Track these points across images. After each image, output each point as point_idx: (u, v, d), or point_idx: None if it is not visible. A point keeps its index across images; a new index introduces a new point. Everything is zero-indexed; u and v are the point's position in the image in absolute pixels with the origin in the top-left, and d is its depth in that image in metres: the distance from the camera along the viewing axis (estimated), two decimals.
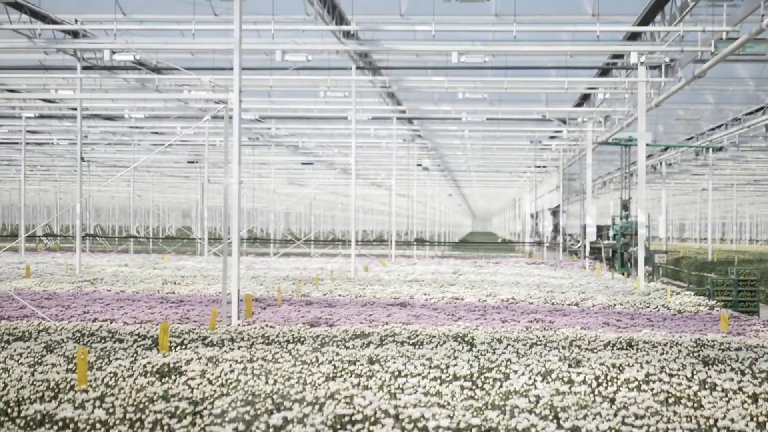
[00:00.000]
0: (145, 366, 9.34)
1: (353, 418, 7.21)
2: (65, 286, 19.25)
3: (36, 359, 9.77)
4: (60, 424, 7.08)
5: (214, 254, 32.81)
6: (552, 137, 40.98)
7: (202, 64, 26.05)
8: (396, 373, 9.04)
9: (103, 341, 11.12)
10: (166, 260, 30.50)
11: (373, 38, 22.59)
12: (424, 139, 42.00)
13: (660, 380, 8.69)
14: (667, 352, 10.42)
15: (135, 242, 42.29)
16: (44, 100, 32.40)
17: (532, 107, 31.88)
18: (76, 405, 7.63)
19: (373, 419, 7.21)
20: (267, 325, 12.60)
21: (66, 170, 55.11)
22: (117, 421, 7.15)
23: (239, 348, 10.61)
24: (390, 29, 21.29)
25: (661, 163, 46.16)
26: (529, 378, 8.79)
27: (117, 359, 9.79)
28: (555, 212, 54.38)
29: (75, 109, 33.14)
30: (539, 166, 50.56)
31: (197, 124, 22.02)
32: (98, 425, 7.04)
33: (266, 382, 8.64)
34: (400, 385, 8.44)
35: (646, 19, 20.27)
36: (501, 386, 8.48)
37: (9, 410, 7.44)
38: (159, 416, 7.20)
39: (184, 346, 10.80)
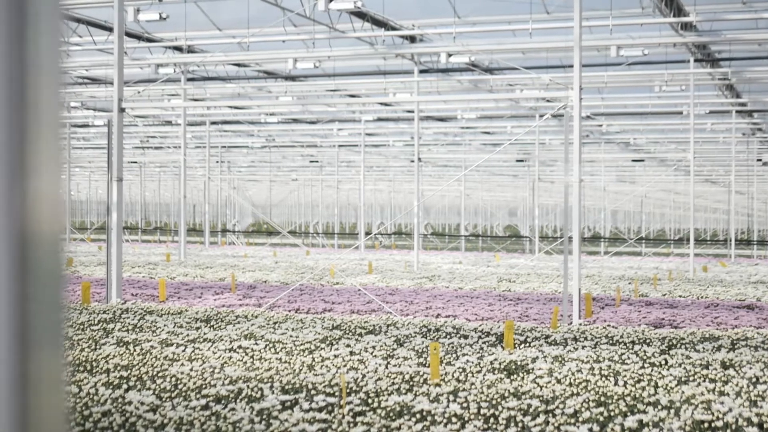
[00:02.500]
0: (492, 362, 9.49)
1: (713, 425, 6.92)
2: (405, 282, 19.96)
3: (388, 352, 10.19)
4: (418, 416, 7.33)
5: (545, 253, 32.82)
6: None
7: (532, 63, 26.14)
8: (754, 380, 8.60)
9: (448, 337, 11.41)
10: (498, 258, 30.89)
11: (711, 29, 21.68)
12: (765, 133, 39.77)
13: None
14: None
15: (464, 240, 43.19)
16: (381, 103, 33.83)
17: None
18: (431, 398, 7.86)
19: (734, 427, 6.89)
20: (609, 325, 12.41)
21: (399, 170, 57.20)
22: (472, 416, 7.29)
23: (583, 348, 10.52)
24: (730, 18, 20.35)
25: None
26: None
27: (464, 355, 10.01)
28: None
29: (410, 112, 34.35)
30: None
31: (536, 123, 22.08)
32: (454, 419, 7.21)
33: (615, 383, 8.50)
34: (760, 393, 8.01)
35: None
36: None
37: (369, 401, 7.80)
38: (512, 413, 7.27)
39: (527, 344, 10.86)
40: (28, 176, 1.36)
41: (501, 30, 22.57)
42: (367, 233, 29.65)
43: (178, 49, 24.96)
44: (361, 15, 21.60)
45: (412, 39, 23.48)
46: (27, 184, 1.36)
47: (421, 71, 25.70)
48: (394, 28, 22.61)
